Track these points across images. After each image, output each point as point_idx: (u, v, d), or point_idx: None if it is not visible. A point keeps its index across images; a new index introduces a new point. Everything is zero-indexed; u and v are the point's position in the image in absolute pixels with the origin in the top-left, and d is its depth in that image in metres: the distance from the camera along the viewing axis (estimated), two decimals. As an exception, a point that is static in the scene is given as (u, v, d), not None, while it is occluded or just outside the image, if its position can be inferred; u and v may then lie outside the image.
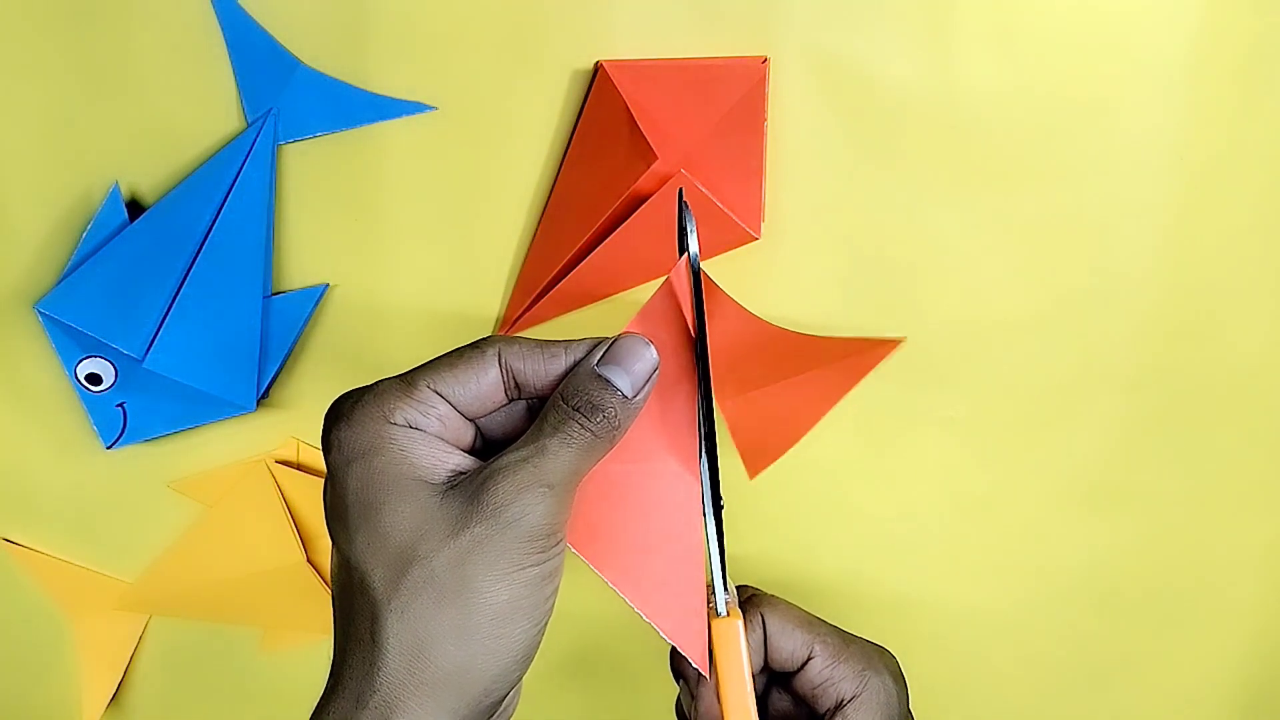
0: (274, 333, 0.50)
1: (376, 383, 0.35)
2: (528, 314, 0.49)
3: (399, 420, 0.34)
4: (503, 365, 0.35)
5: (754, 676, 0.39)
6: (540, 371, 0.35)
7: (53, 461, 0.52)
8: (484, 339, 0.35)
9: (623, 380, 0.34)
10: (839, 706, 0.38)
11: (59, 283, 0.48)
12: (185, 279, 0.48)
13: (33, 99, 0.47)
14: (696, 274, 0.36)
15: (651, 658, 0.51)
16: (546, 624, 0.34)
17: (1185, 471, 0.52)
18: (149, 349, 0.48)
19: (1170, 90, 0.47)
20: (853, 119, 0.47)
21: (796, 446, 0.51)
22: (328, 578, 0.47)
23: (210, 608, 0.54)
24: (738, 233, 0.47)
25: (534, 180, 0.48)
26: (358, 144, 0.48)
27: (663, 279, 0.37)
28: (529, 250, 0.49)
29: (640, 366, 0.35)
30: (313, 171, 0.48)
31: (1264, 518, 0.52)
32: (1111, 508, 0.52)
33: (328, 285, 0.50)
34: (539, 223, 0.49)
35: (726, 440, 0.50)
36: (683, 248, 0.36)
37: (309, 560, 0.53)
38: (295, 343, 0.50)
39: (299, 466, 0.52)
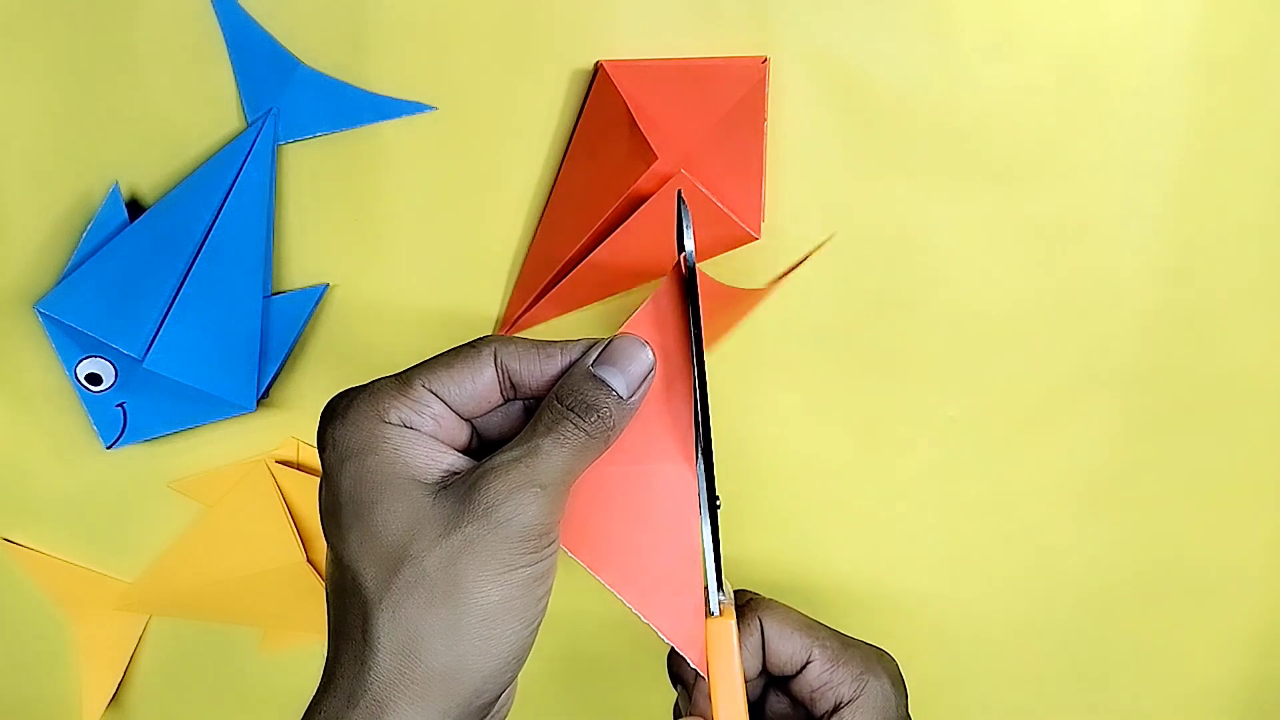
0: (274, 333, 0.50)
1: (372, 382, 0.35)
2: (528, 314, 0.49)
3: (393, 419, 0.34)
4: (499, 365, 0.35)
5: (751, 679, 0.39)
6: (536, 371, 0.35)
7: (53, 461, 0.52)
8: (480, 339, 0.35)
9: (618, 381, 0.34)
10: (836, 710, 0.38)
11: (59, 283, 0.48)
12: (185, 279, 0.48)
13: (33, 99, 0.47)
14: (692, 273, 0.36)
15: (647, 659, 0.51)
16: (539, 625, 0.34)
17: (1185, 471, 0.52)
18: (149, 349, 0.48)
19: (1170, 90, 0.47)
20: (853, 119, 0.47)
21: (796, 447, 0.51)
22: (327, 577, 0.48)
23: (210, 608, 0.54)
24: (738, 233, 0.47)
25: (534, 180, 0.48)
26: (358, 144, 0.48)
27: (660, 279, 0.37)
28: (529, 250, 0.49)
29: (636, 367, 0.35)
30: (313, 171, 0.48)
31: (1264, 517, 0.52)
32: (1111, 508, 0.52)
33: (328, 285, 0.50)
34: (539, 223, 0.49)
35: (723, 438, 0.50)
36: (680, 247, 0.36)
37: (309, 560, 0.52)
38: (295, 343, 0.50)
39: (299, 466, 0.52)
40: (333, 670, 0.33)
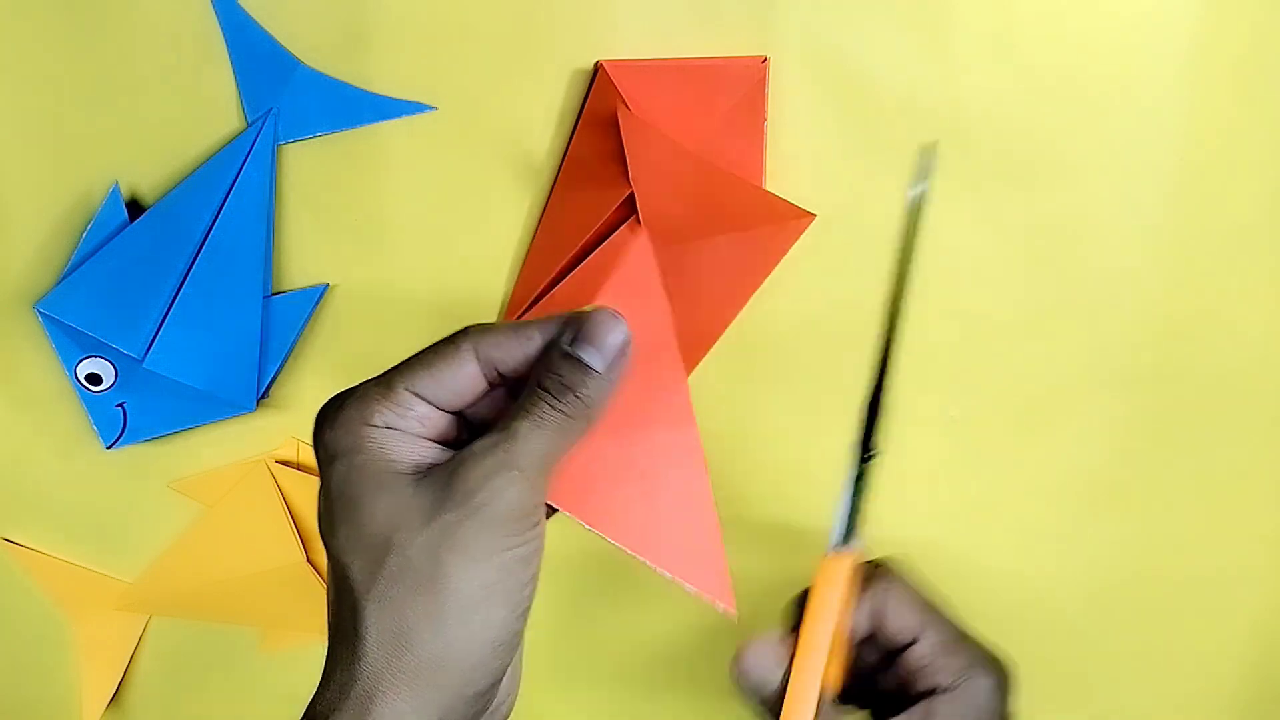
0: (274, 333, 0.50)
1: (358, 385, 0.35)
2: (527, 314, 0.49)
3: (378, 422, 0.34)
4: (479, 356, 0.35)
5: (852, 633, 0.40)
6: (518, 355, 0.35)
7: (53, 461, 0.52)
8: (459, 332, 0.35)
9: (594, 358, 0.34)
10: (929, 693, 0.39)
11: (59, 283, 0.48)
12: (185, 279, 0.48)
13: (33, 99, 0.47)
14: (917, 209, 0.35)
15: (660, 663, 0.51)
16: (526, 610, 0.34)
17: (1185, 471, 0.52)
18: (149, 349, 0.48)
19: (1170, 90, 0.47)
20: (853, 119, 0.47)
21: (796, 448, 0.51)
22: (327, 578, 0.48)
23: (210, 608, 0.54)
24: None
25: (534, 180, 0.48)
26: (358, 144, 0.48)
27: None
28: (529, 250, 0.49)
29: (612, 340, 0.35)
30: (313, 171, 0.48)
31: (1264, 517, 0.52)
32: (1112, 508, 0.52)
33: (328, 285, 0.50)
34: (539, 223, 0.49)
35: (719, 440, 0.50)
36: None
37: (309, 560, 0.52)
38: (295, 343, 0.50)
39: (299, 466, 0.52)
40: (329, 666, 0.33)
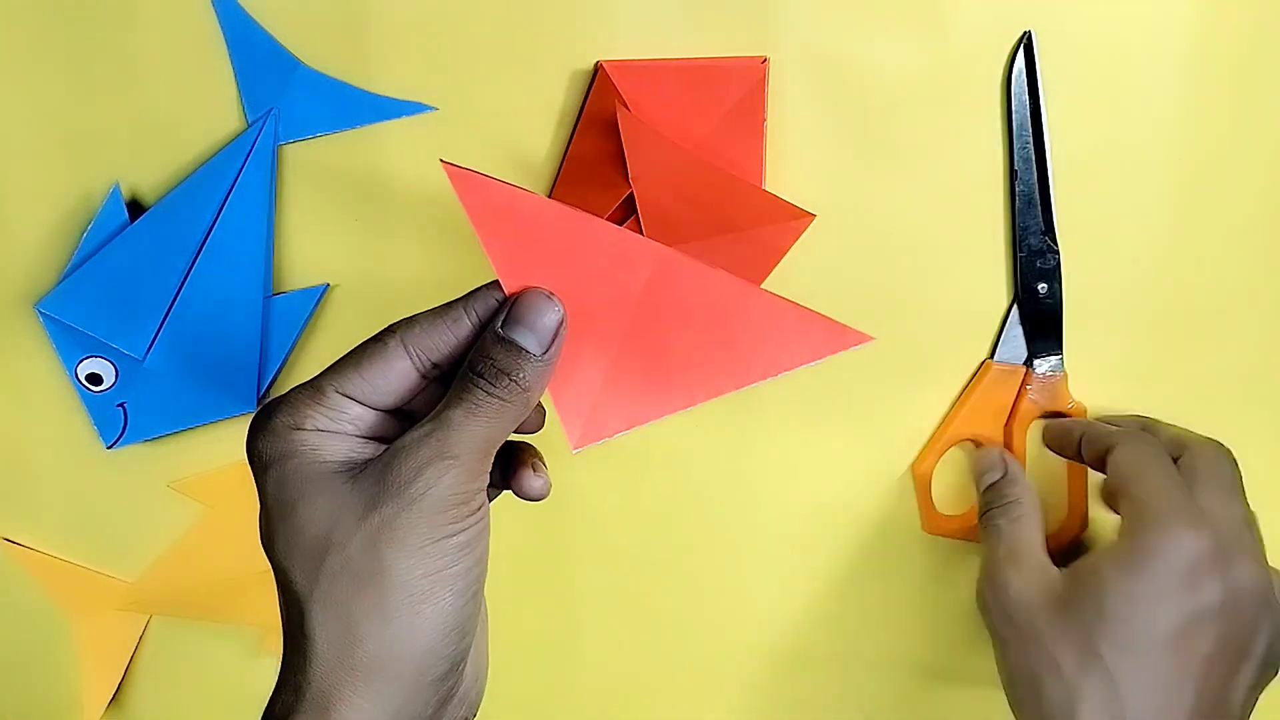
0: (274, 333, 0.50)
1: (288, 392, 0.34)
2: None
3: (309, 427, 0.33)
4: (410, 350, 0.34)
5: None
6: (450, 340, 0.34)
7: (53, 461, 0.52)
8: (387, 328, 0.35)
9: (529, 340, 0.34)
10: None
11: (59, 283, 0.48)
12: (185, 279, 0.48)
13: (33, 99, 0.47)
14: None
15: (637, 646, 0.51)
16: (476, 594, 0.34)
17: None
18: (149, 349, 0.48)
19: (1169, 90, 0.47)
20: (853, 119, 0.47)
21: (796, 448, 0.51)
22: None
23: (210, 608, 0.54)
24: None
25: (534, 180, 0.48)
26: (358, 144, 0.48)
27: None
28: (529, 250, 0.49)
29: (547, 321, 0.34)
30: (313, 171, 0.48)
31: (1264, 517, 0.52)
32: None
33: (328, 285, 0.50)
34: (539, 223, 0.49)
35: (712, 440, 0.50)
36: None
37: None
38: (295, 343, 0.50)
39: (299, 466, 0.52)
40: (283, 672, 0.33)
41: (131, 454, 0.51)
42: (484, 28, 0.46)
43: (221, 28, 0.46)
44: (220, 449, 0.52)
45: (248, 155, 0.47)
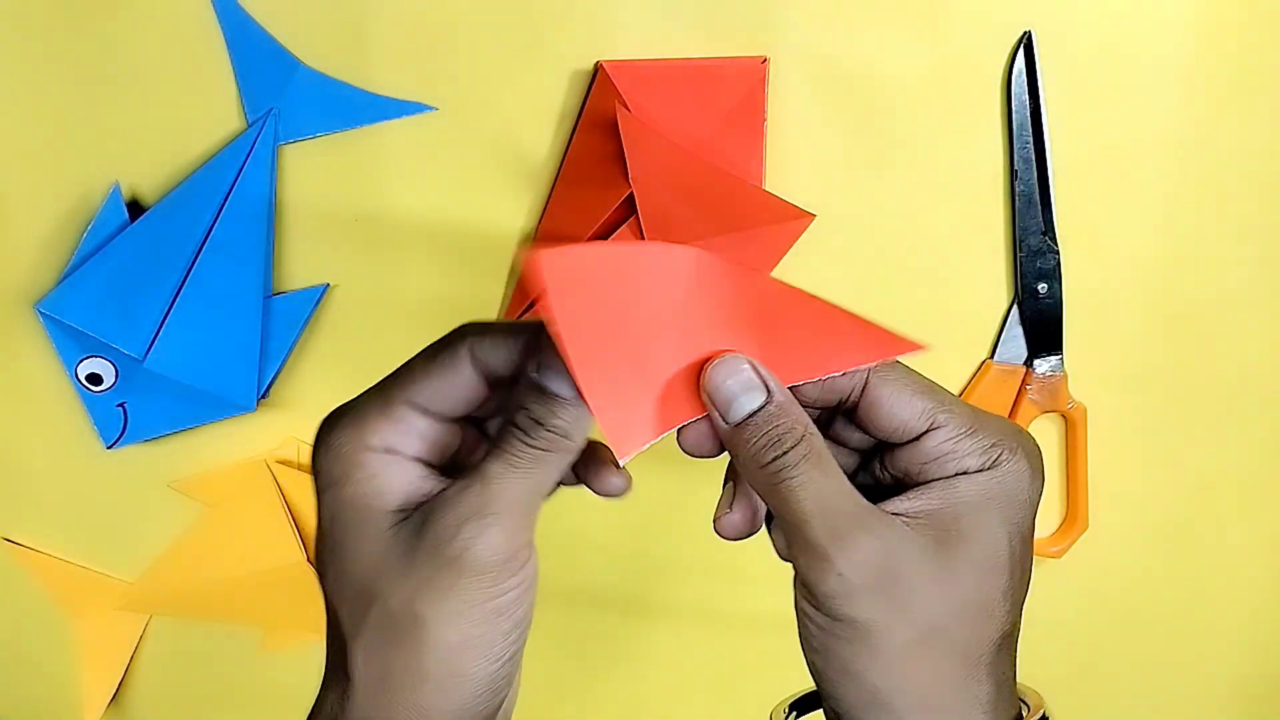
0: (274, 333, 0.50)
1: (356, 400, 0.33)
2: (527, 315, 0.49)
3: (376, 444, 0.32)
4: (476, 361, 0.32)
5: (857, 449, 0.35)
6: (512, 362, 0.32)
7: (53, 461, 0.52)
8: (456, 333, 0.33)
9: (562, 385, 0.31)
10: (953, 476, 0.32)
11: (59, 283, 0.48)
12: (185, 279, 0.48)
13: (33, 99, 0.47)
14: None
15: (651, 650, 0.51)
16: (514, 658, 0.32)
17: (1186, 470, 0.52)
18: (149, 349, 0.48)
19: (1169, 90, 0.47)
20: (853, 119, 0.47)
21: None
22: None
23: (210, 608, 0.54)
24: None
25: (534, 180, 0.48)
26: (358, 144, 0.48)
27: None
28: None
29: None
30: (313, 171, 0.48)
31: (1264, 517, 0.52)
32: (1112, 507, 0.52)
33: (328, 285, 0.50)
34: (539, 223, 0.49)
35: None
36: None
37: (309, 560, 0.52)
38: (295, 343, 0.50)
39: (299, 466, 0.52)
40: (324, 690, 0.33)
41: (131, 454, 0.51)
42: (484, 28, 0.46)
43: (221, 28, 0.46)
44: (220, 449, 0.52)
45: (248, 155, 0.47)
